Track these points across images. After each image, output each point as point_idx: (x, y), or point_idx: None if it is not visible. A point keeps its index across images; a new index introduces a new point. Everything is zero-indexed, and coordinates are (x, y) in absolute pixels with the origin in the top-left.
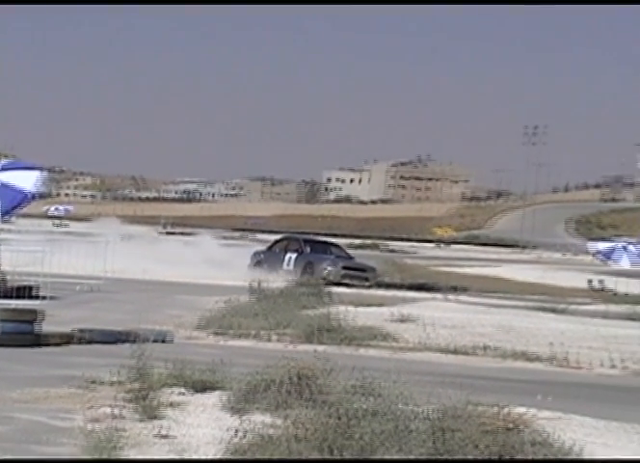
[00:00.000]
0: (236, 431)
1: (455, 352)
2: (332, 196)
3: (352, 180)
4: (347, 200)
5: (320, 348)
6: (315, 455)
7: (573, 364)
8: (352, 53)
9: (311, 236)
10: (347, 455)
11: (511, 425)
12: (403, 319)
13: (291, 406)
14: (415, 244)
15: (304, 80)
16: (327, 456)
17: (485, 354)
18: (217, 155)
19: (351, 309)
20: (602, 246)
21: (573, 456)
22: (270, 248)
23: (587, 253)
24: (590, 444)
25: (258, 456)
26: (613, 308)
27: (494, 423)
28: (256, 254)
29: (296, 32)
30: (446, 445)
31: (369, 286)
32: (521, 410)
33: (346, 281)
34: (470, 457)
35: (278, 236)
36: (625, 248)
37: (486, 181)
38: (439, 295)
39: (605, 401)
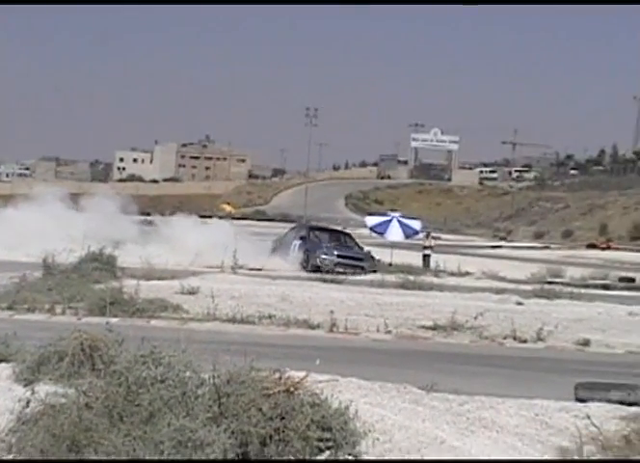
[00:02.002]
0: (28, 402)
1: (241, 321)
2: (124, 175)
3: (143, 160)
4: (139, 179)
5: (112, 321)
6: (105, 423)
7: (352, 330)
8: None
9: (323, 225)
10: (136, 421)
11: (291, 389)
12: (192, 291)
13: (83, 376)
14: (207, 220)
15: (95, 63)
16: (116, 423)
17: (270, 323)
18: (7, 135)
19: (142, 282)
20: (378, 220)
21: (349, 416)
22: (285, 235)
23: (365, 226)
24: (366, 404)
25: (49, 425)
26: (388, 277)
27: (276, 388)
28: (275, 241)
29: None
30: (230, 408)
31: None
32: (301, 374)
33: (340, 269)
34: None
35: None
36: (398, 221)
37: (270, 160)
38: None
39: (381, 364)
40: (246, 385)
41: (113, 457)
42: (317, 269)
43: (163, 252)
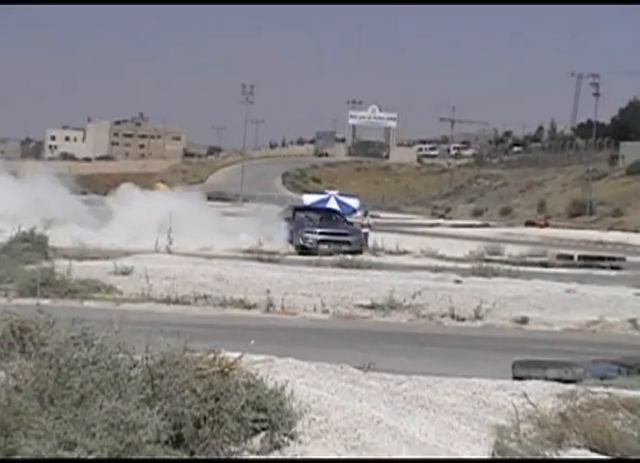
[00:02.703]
0: None
1: (176, 302)
2: (55, 154)
3: (75, 138)
4: (71, 157)
5: (43, 302)
6: (35, 406)
7: (289, 310)
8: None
9: (310, 204)
10: (67, 404)
11: (226, 370)
12: (126, 272)
13: (12, 359)
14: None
15: (25, 38)
16: (47, 406)
17: (205, 303)
18: None
19: (75, 263)
20: (315, 198)
21: (285, 396)
22: (276, 219)
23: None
24: (302, 384)
25: None
26: (326, 257)
27: (210, 368)
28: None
29: None
30: (164, 390)
31: (353, 252)
32: (237, 355)
33: (324, 247)
34: (187, 400)
35: None
36: (336, 199)
37: (206, 138)
38: (160, 248)
39: (318, 344)
40: (180, 366)
41: (43, 441)
42: (303, 248)
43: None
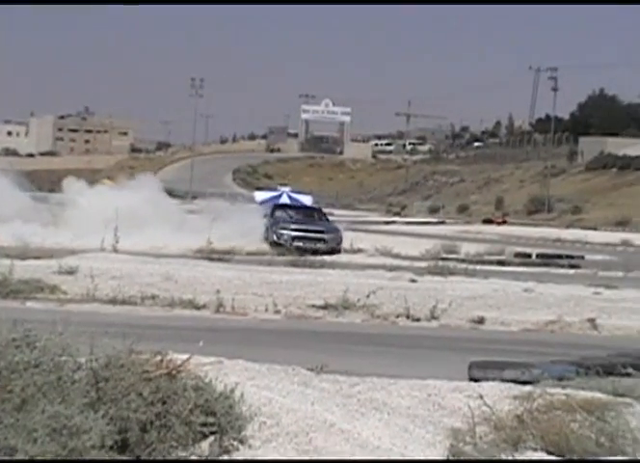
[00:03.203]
0: None
1: (122, 303)
2: None
3: (17, 133)
4: (13, 153)
5: None
6: None
7: (240, 310)
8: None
9: (290, 202)
10: (8, 408)
11: (174, 372)
12: (71, 271)
13: None
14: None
15: None
16: None
17: (153, 303)
18: None
19: (17, 262)
20: (267, 195)
21: (235, 399)
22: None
23: (254, 202)
24: (252, 387)
25: None
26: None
27: (157, 371)
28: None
29: None
30: (109, 393)
31: (329, 251)
32: (185, 357)
33: (299, 244)
34: (132, 402)
35: None
36: (289, 196)
37: (154, 133)
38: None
39: (269, 345)
40: (125, 369)
41: None
42: (277, 245)
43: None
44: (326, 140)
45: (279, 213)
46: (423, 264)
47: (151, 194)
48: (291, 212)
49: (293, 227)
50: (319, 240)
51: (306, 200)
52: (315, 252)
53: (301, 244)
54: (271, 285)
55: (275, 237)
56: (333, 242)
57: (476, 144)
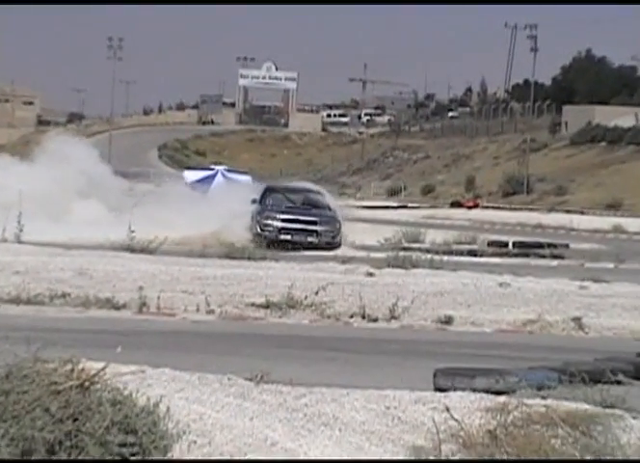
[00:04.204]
0: None
1: (27, 302)
2: None
3: None
4: None
5: None
6: None
7: (166, 310)
8: None
9: (285, 184)
10: None
11: (87, 383)
12: None
13: None
14: None
15: None
16: None
17: (64, 303)
18: None
19: None
20: (200, 175)
21: (160, 415)
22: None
23: (184, 183)
24: (181, 400)
25: None
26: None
27: (67, 382)
28: None
29: None
30: (10, 409)
31: (323, 246)
32: (100, 365)
33: (286, 237)
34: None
35: None
36: (224, 176)
37: (65, 103)
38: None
39: (202, 351)
40: (29, 380)
41: None
42: (262, 238)
43: None
44: (268, 110)
45: (269, 199)
46: (381, 255)
47: (84, 166)
48: (286, 197)
49: (281, 217)
50: (310, 233)
51: (245, 180)
52: (309, 246)
53: (289, 237)
54: (203, 281)
55: (258, 228)
56: (327, 235)
57: (450, 114)
